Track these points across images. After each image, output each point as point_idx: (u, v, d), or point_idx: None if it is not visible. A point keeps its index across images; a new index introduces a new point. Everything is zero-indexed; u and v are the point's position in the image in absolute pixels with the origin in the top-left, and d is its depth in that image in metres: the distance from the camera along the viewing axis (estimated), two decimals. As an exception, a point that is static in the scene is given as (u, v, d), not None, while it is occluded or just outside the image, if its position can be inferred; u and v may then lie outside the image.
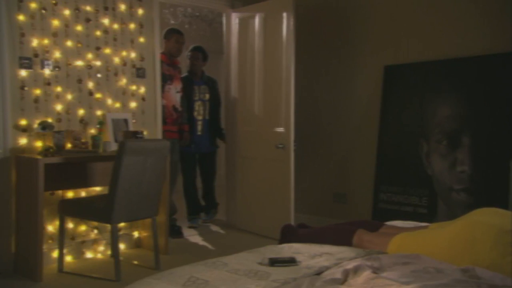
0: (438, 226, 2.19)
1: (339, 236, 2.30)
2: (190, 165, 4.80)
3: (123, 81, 4.00)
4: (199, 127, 4.77)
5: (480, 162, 3.51)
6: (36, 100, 3.53)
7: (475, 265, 1.73)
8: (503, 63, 3.45)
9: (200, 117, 4.77)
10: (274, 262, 1.92)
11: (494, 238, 1.79)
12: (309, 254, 2.06)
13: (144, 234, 4.06)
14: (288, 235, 2.51)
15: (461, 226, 1.95)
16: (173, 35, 4.44)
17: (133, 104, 4.07)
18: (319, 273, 1.81)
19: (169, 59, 4.41)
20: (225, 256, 2.03)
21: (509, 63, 3.42)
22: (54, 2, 3.60)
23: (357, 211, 4.28)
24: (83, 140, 3.66)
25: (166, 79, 4.29)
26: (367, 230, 2.31)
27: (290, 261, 1.94)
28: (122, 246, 3.91)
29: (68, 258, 3.65)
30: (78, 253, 3.74)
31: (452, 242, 1.90)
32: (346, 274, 1.72)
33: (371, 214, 4.12)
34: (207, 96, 4.85)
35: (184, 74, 4.81)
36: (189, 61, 4.85)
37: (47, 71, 3.58)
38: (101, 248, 3.86)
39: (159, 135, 4.22)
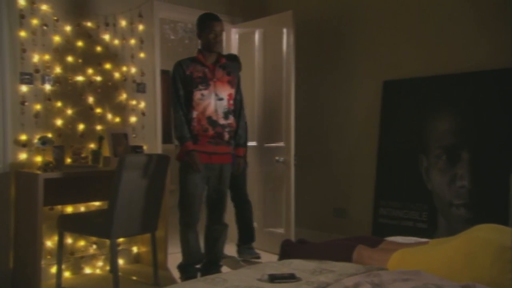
0: (438, 242, 2.19)
1: (339, 252, 2.29)
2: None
3: (123, 96, 4.02)
4: None
5: (480, 177, 3.50)
6: (37, 115, 3.54)
7: (475, 281, 1.72)
8: (502, 79, 3.47)
9: None
10: (273, 278, 1.91)
11: (494, 254, 1.78)
12: (309, 270, 2.05)
13: (143, 249, 4.04)
14: (288, 250, 2.49)
15: (461, 242, 1.94)
16: (206, 24, 3.34)
17: (133, 119, 4.08)
18: (319, 289, 1.80)
19: (205, 58, 3.38)
20: (224, 272, 2.02)
21: (508, 78, 3.43)
22: (55, 18, 3.63)
23: (357, 226, 4.27)
24: (83, 155, 3.67)
25: (195, 83, 3.29)
26: (367, 246, 2.30)
27: (290, 277, 1.93)
28: (121, 261, 3.89)
29: (67, 274, 3.63)
30: (77, 269, 3.72)
31: (452, 259, 1.90)
32: (346, 291, 1.71)
33: (371, 229, 4.11)
34: None
35: None
36: None
37: (47, 87, 3.59)
38: (99, 263, 3.84)
39: (159, 150, 4.22)
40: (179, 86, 3.29)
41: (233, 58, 4.13)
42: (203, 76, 3.31)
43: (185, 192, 3.32)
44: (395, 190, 4.00)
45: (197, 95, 3.27)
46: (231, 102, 3.40)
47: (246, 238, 4.12)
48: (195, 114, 3.27)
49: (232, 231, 4.22)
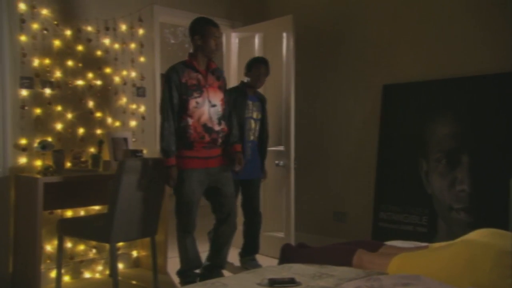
0: (438, 247, 2.18)
1: (339, 256, 2.28)
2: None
3: (123, 100, 4.02)
4: (249, 151, 3.90)
5: (480, 181, 3.50)
6: (37, 119, 3.55)
7: (475, 286, 1.72)
8: (502, 83, 3.48)
9: (251, 138, 3.94)
10: (273, 282, 1.91)
11: (494, 259, 1.78)
12: (309, 275, 2.04)
13: (143, 253, 4.04)
14: (288, 255, 2.49)
15: (461, 247, 1.94)
16: (207, 30, 3.31)
17: (133, 123, 4.08)
18: (319, 294, 1.80)
19: (199, 63, 3.33)
20: (224, 277, 2.02)
21: (508, 83, 3.44)
22: (55, 22, 3.64)
23: (357, 230, 4.26)
24: (82, 159, 3.67)
25: (190, 91, 3.25)
26: (367, 250, 2.29)
27: (290, 282, 1.93)
28: (120, 265, 3.89)
29: (66, 278, 3.63)
30: (77, 273, 3.71)
31: (452, 263, 1.89)
32: (346, 296, 1.71)
33: (371, 233, 4.10)
34: (259, 115, 4.03)
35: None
36: (254, 74, 3.97)
37: (47, 91, 3.60)
38: (99, 267, 3.83)
39: (158, 154, 4.21)
40: (174, 95, 3.21)
41: (263, 61, 4.04)
42: (197, 84, 3.27)
43: (183, 199, 3.29)
44: (395, 194, 4.00)
45: (192, 103, 3.23)
46: (223, 107, 3.39)
47: (250, 250, 4.07)
48: (191, 121, 3.22)
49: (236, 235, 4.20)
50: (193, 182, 3.26)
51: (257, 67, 3.94)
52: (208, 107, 3.28)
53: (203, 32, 3.30)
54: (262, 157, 4.08)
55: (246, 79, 4.01)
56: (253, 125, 3.95)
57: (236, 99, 3.84)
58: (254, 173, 3.98)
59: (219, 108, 3.35)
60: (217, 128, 3.32)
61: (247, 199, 4.03)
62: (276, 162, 4.29)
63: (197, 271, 3.44)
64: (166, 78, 3.26)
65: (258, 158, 4.03)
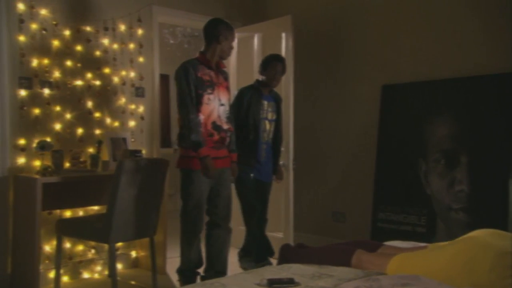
0: (437, 247, 2.18)
1: (338, 256, 2.28)
2: (252, 196, 3.84)
3: (122, 100, 4.02)
4: (263, 152, 3.85)
5: (479, 181, 3.51)
6: (35, 119, 3.54)
7: (474, 286, 1.72)
8: (501, 84, 3.48)
9: (265, 139, 3.85)
10: (272, 283, 1.90)
11: (493, 259, 1.78)
12: (308, 275, 2.04)
13: (142, 253, 4.04)
14: (287, 255, 2.49)
15: (460, 247, 1.94)
16: (229, 33, 3.33)
17: (132, 123, 4.08)
18: (318, 294, 1.80)
19: (209, 61, 3.30)
20: (223, 277, 2.01)
21: (507, 83, 3.44)
22: (54, 23, 3.64)
23: (356, 230, 4.26)
24: (81, 159, 3.66)
25: (205, 86, 3.22)
26: (366, 250, 2.29)
27: (289, 282, 1.92)
28: (119, 266, 3.88)
29: (65, 279, 3.62)
30: (75, 273, 3.71)
31: (451, 263, 1.89)
32: (345, 296, 1.71)
33: (370, 233, 4.10)
34: (274, 115, 3.91)
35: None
36: (270, 72, 3.82)
37: (46, 91, 3.59)
38: (98, 268, 3.83)
39: (157, 154, 4.21)
40: (192, 88, 3.16)
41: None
42: (210, 80, 3.26)
43: (192, 200, 3.25)
44: (394, 195, 4.00)
45: (205, 99, 3.21)
46: (229, 107, 3.42)
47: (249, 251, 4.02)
48: (201, 118, 3.20)
49: (234, 236, 4.19)
50: (202, 184, 3.24)
51: (273, 65, 3.81)
52: (217, 105, 3.28)
53: (228, 35, 3.31)
54: (276, 159, 3.98)
55: (261, 78, 3.87)
56: (267, 126, 3.85)
57: (251, 99, 3.76)
58: (267, 176, 3.91)
59: (226, 108, 3.36)
60: (225, 126, 3.32)
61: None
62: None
63: (198, 270, 3.44)
64: (183, 72, 3.19)
65: (271, 161, 3.93)
